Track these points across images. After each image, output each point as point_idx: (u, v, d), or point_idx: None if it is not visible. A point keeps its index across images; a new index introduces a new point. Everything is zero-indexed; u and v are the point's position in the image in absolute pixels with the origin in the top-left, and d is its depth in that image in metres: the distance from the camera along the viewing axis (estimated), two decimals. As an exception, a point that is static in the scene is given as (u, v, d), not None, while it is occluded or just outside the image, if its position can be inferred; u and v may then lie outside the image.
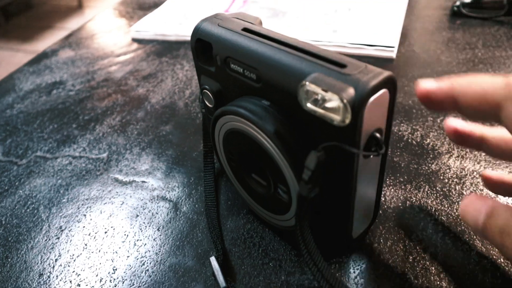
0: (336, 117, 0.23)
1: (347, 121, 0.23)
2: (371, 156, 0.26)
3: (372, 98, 0.23)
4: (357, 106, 0.22)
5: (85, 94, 0.55)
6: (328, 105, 0.23)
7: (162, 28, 0.68)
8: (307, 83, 0.23)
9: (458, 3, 0.65)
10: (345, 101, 0.22)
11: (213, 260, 0.29)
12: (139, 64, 0.61)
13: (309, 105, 0.24)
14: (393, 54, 0.54)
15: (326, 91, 0.23)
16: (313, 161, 0.23)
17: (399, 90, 0.48)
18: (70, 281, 0.32)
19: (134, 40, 0.69)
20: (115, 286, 0.31)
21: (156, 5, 0.80)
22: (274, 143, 0.26)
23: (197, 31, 0.32)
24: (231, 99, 0.30)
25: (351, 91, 0.22)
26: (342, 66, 0.24)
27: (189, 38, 0.65)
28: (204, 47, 0.32)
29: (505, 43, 0.55)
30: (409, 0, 0.71)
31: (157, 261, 0.32)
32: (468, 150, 0.39)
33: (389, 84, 0.23)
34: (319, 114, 0.24)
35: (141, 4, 0.83)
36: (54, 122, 0.50)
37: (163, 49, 0.64)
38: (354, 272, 0.30)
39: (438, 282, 0.28)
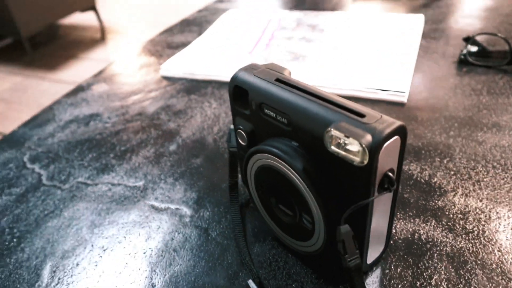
0: (356, 159, 0.28)
1: (365, 162, 0.27)
2: (385, 193, 0.30)
3: (386, 144, 0.27)
4: (373, 150, 0.27)
5: (121, 126, 0.61)
6: (349, 148, 0.28)
7: (191, 67, 0.74)
8: (332, 129, 0.28)
9: (465, 51, 0.70)
10: (364, 145, 0.27)
11: (251, 282, 0.34)
12: (169, 100, 0.67)
13: (333, 147, 0.29)
14: (404, 99, 0.59)
15: (348, 137, 0.27)
16: (340, 234, 0.29)
17: (410, 133, 0.52)
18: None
19: (164, 77, 0.75)
20: (155, 301, 0.35)
21: (183, 45, 0.87)
22: (302, 178, 0.31)
23: (235, 79, 0.37)
24: (262, 139, 0.35)
25: (369, 137, 0.27)
26: (362, 116, 0.29)
27: (216, 78, 0.71)
28: (241, 93, 0.37)
29: (508, 90, 0.60)
30: (420, 48, 0.76)
31: (191, 280, 0.36)
32: (471, 188, 0.43)
33: (401, 132, 0.28)
34: (341, 155, 0.29)
35: (169, 43, 0.90)
36: (93, 151, 0.56)
37: (191, 87, 0.70)
38: (368, 295, 0.33)
39: (443, 306, 0.32)
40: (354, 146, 0.28)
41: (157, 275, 0.37)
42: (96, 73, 0.80)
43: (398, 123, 0.28)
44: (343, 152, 0.28)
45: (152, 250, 0.40)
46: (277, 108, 0.33)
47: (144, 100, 0.68)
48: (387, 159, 0.28)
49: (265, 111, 0.34)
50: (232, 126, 0.42)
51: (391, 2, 1.04)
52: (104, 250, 0.40)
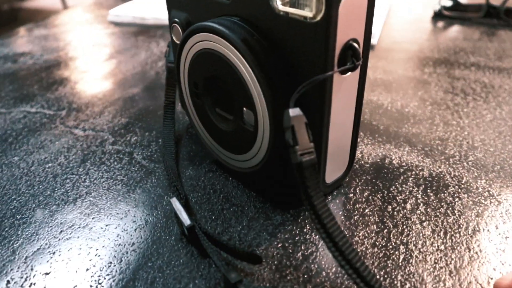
0: (309, 13, 0.21)
1: (320, 15, 0.20)
2: (348, 74, 0.23)
3: (348, -7, 0.20)
4: (332, -4, 0.20)
5: (53, 63, 0.52)
6: (301, 2, 0.21)
7: (141, 12, 0.66)
8: (279, -24, 0.21)
9: (440, 5, 0.65)
10: (319, -13, 0.20)
11: (174, 200, 0.26)
12: (114, 41, 0.58)
13: (281, 6, 0.22)
14: (373, 40, 0.53)
15: (299, -19, 0.20)
16: (289, 118, 0.20)
17: (380, 69, 0.46)
18: (1, 221, 0.27)
19: (112, 23, 0.66)
20: (51, 228, 0.27)
21: (138, -4, 0.78)
22: (241, 53, 0.23)
23: (167, -42, 0.29)
24: (199, 26, 0.28)
25: (326, -19, 0.20)
26: (318, -35, 0.22)
27: (167, 22, 0.63)
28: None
29: (485, 37, 0.55)
30: (392, 3, 0.71)
31: (103, 204, 0.28)
32: (450, 117, 0.37)
33: (369, -16, 0.21)
34: (292, 13, 0.21)
35: (124, -4, 0.82)
36: (15, 83, 0.47)
37: (140, 30, 0.62)
38: (325, 219, 0.26)
39: (421, 229, 0.25)
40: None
41: (62, 201, 0.29)
42: (39, 20, 0.71)
43: (365, -30, 0.21)
44: (293, 9, 0.21)
45: (56, 175, 0.31)
46: (215, -24, 0.26)
47: (86, 41, 0.59)
48: (350, 22, 0.21)
49: (201, -14, 0.27)
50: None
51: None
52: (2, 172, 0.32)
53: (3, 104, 0.43)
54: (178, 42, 0.31)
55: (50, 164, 0.33)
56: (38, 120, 0.39)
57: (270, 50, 0.23)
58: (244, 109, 0.26)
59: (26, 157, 0.34)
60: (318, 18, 0.20)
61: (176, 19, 0.30)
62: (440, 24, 0.62)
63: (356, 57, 0.22)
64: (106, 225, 0.27)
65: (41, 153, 0.34)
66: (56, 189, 0.30)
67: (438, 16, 0.65)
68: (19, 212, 0.28)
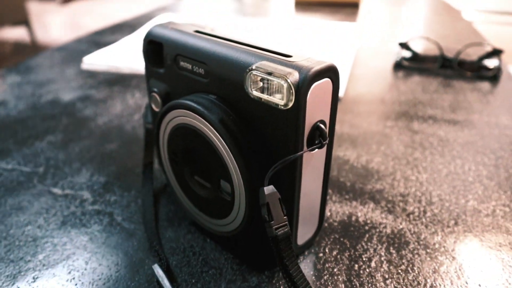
0: (280, 101, 0.23)
1: (291, 104, 0.23)
2: (316, 150, 0.26)
3: (315, 84, 0.23)
4: (300, 88, 0.22)
5: (28, 113, 0.53)
6: (273, 90, 0.23)
7: (116, 60, 0.67)
8: (253, 67, 0.24)
9: (400, 57, 0.70)
10: (289, 80, 0.22)
11: (156, 267, 0.27)
12: (88, 90, 0.60)
13: (254, 92, 0.24)
14: (340, 93, 0.57)
15: (270, 74, 0.23)
16: (264, 196, 0.23)
17: (346, 124, 0.49)
18: (-19, 291, 0.28)
19: (86, 71, 0.68)
20: (34, 296, 0.27)
21: (112, 43, 0.80)
22: (218, 132, 0.25)
23: (149, 34, 0.32)
24: (178, 98, 0.30)
25: (295, 74, 0.23)
26: (287, 56, 0.24)
27: (142, 71, 0.65)
28: (155, 49, 0.32)
29: (441, 89, 0.60)
30: (357, 53, 0.76)
31: (85, 269, 0.29)
32: (410, 173, 0.40)
33: (332, 74, 0.24)
34: (264, 100, 0.24)
35: (97, 42, 0.83)
36: (-12, 138, 0.47)
37: (115, 79, 0.64)
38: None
39: (384, 287, 0.27)
40: (279, 87, 0.23)
41: (43, 265, 0.30)
42: (10, 66, 0.71)
43: (328, 62, 0.24)
44: (266, 96, 0.24)
45: (36, 238, 0.32)
46: (193, 57, 0.28)
47: (59, 90, 0.60)
48: (317, 106, 0.24)
49: (180, 64, 0.29)
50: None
51: (332, 13, 1.04)
52: (-20, 242, 0.32)
53: (-21, 160, 0.43)
54: (156, 109, 0.33)
55: (29, 227, 0.34)
56: (15, 178, 0.40)
57: (245, 129, 0.26)
58: (221, 180, 0.28)
59: (4, 220, 0.34)
60: (289, 105, 0.23)
61: (155, 89, 0.32)
62: (401, 74, 0.66)
63: (323, 136, 0.25)
64: (88, 292, 0.28)
65: (20, 214, 0.35)
66: (36, 254, 0.31)
67: (398, 66, 0.70)
68: (-1, 280, 0.29)
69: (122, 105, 0.55)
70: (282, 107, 0.23)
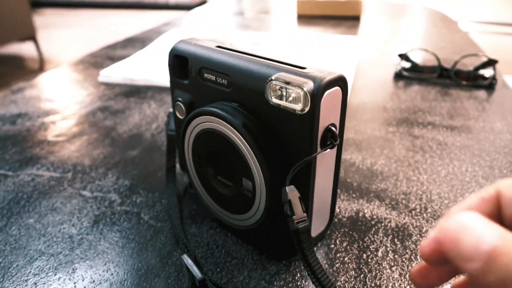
0: (297, 107, 0.27)
1: (307, 109, 0.26)
2: (328, 150, 0.29)
3: (327, 91, 0.27)
4: (315, 95, 0.26)
5: (51, 124, 0.56)
6: (290, 98, 0.27)
7: (131, 73, 0.71)
8: (273, 77, 0.27)
9: (399, 67, 0.74)
10: (305, 89, 0.26)
11: (185, 257, 0.30)
12: (107, 102, 0.63)
13: (274, 100, 0.28)
14: (344, 101, 0.60)
15: (288, 83, 0.26)
16: (285, 194, 0.27)
17: (351, 129, 0.53)
18: (26, 281, 0.31)
19: (103, 83, 0.71)
20: (74, 284, 0.31)
21: (125, 58, 0.84)
22: (242, 135, 0.29)
23: (174, 49, 0.35)
24: (201, 107, 0.33)
25: (310, 83, 0.26)
26: (302, 68, 0.28)
27: (156, 83, 0.69)
28: (180, 63, 0.35)
29: (439, 98, 0.63)
30: (358, 64, 0.79)
31: (119, 261, 0.32)
32: (411, 173, 0.43)
33: (341, 83, 0.28)
34: (283, 106, 0.27)
35: (111, 56, 0.87)
36: (17, 146, 0.51)
37: (131, 91, 0.67)
38: (312, 268, 0.31)
39: (391, 273, 0.31)
40: (295, 93, 0.27)
41: (81, 258, 0.33)
42: (30, 79, 0.75)
43: (338, 73, 0.27)
44: (284, 103, 0.27)
45: (72, 235, 0.35)
46: (217, 70, 0.32)
47: (79, 102, 0.64)
48: (329, 111, 0.28)
49: (204, 75, 0.33)
50: (171, 110, 0.40)
51: (334, 26, 1.09)
52: (16, 239, 0.35)
53: (10, 167, 0.46)
54: (181, 117, 0.37)
55: (64, 225, 0.37)
56: (46, 182, 0.43)
57: (265, 133, 0.29)
58: (243, 178, 0.31)
59: (40, 219, 0.38)
60: (306, 110, 0.26)
61: (180, 98, 0.36)
62: (401, 84, 0.70)
63: (334, 138, 0.28)
64: (124, 280, 0.31)
65: (54, 215, 0.38)
66: (74, 248, 0.34)
67: (398, 76, 0.73)
68: (42, 271, 0.32)
69: (140, 115, 0.58)
70: (299, 112, 0.27)
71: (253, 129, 0.29)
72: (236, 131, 0.29)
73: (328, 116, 0.28)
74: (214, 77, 0.32)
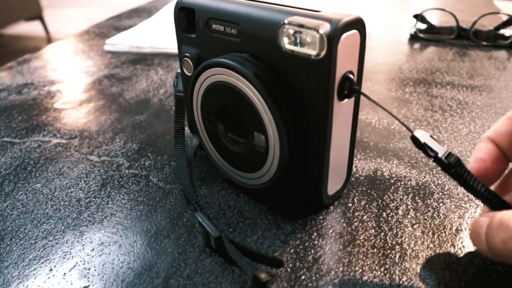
0: (313, 52, 0.25)
1: (323, 53, 0.24)
2: (346, 100, 0.27)
3: (345, 35, 0.24)
4: (332, 38, 0.24)
5: (57, 93, 0.55)
6: (305, 42, 0.25)
7: (137, 41, 0.69)
8: (286, 21, 0.25)
9: (415, 28, 0.71)
10: (321, 32, 0.24)
11: (199, 214, 0.29)
12: (113, 70, 0.62)
13: (287, 46, 0.26)
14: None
15: (303, 26, 0.24)
16: (417, 140, 0.24)
17: (367, 89, 0.51)
18: (34, 243, 0.30)
19: (109, 52, 0.70)
20: (83, 246, 0.30)
21: (130, 27, 0.82)
22: (254, 85, 0.27)
23: (180, 1, 0.33)
24: (210, 61, 0.31)
25: (326, 25, 0.24)
26: (317, 11, 0.26)
27: (163, 50, 0.67)
28: (187, 16, 0.33)
29: (458, 58, 0.60)
30: (372, 26, 0.76)
31: (128, 224, 0.31)
32: (431, 133, 0.41)
33: (360, 26, 0.25)
34: (297, 52, 0.25)
35: (116, 26, 0.85)
36: (23, 114, 0.50)
37: (137, 59, 0.66)
38: (330, 227, 0.30)
39: (413, 231, 0.29)
40: (310, 38, 0.25)
41: (89, 221, 0.32)
42: (35, 51, 0.74)
43: (355, 15, 0.25)
44: (298, 48, 0.25)
45: (80, 199, 0.34)
46: (226, 19, 0.30)
47: (85, 71, 0.62)
48: (347, 56, 0.25)
49: (212, 26, 0.31)
50: (179, 70, 0.38)
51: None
52: (24, 204, 0.35)
53: (16, 135, 0.45)
54: (188, 74, 0.35)
55: (72, 189, 0.36)
56: (53, 148, 0.42)
57: (278, 82, 0.27)
58: (255, 133, 0.29)
59: (48, 184, 0.37)
60: (321, 55, 0.24)
61: (187, 54, 0.34)
62: (416, 45, 0.67)
63: (352, 86, 0.26)
64: (134, 241, 0.30)
65: (62, 179, 0.37)
66: (82, 212, 0.33)
67: (414, 38, 0.70)
68: (50, 234, 0.31)
69: (147, 82, 0.56)
70: (315, 57, 0.25)
71: (265, 79, 0.27)
72: (247, 82, 0.27)
73: (345, 62, 0.26)
74: (223, 28, 0.30)
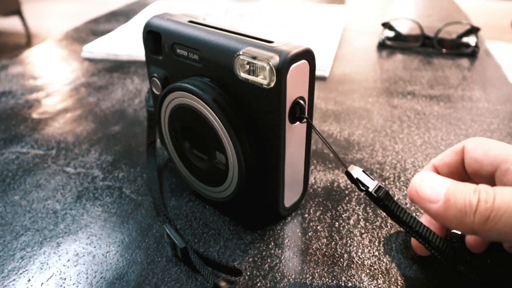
0: (264, 81, 0.27)
1: (273, 83, 0.27)
2: (297, 123, 0.30)
3: (293, 65, 0.27)
4: (280, 69, 0.26)
5: (35, 102, 0.57)
6: (258, 72, 0.27)
7: (114, 48, 0.71)
8: (240, 52, 0.28)
9: (383, 36, 0.74)
10: (271, 64, 0.26)
11: (167, 226, 0.31)
12: (90, 78, 0.63)
13: (242, 74, 0.28)
14: (325, 73, 0.61)
15: (255, 58, 0.27)
16: (351, 175, 0.28)
17: (331, 100, 0.53)
18: (13, 255, 0.32)
19: (86, 59, 0.71)
20: (59, 257, 0.32)
21: (108, 32, 0.83)
22: (212, 110, 0.29)
23: (148, 25, 0.35)
24: (176, 82, 0.34)
25: (276, 58, 0.27)
26: (270, 42, 0.28)
27: (139, 58, 0.69)
28: (154, 38, 0.36)
29: (421, 67, 0.64)
30: (343, 34, 0.79)
31: (101, 235, 0.34)
32: (388, 143, 0.44)
33: (308, 56, 0.28)
34: (251, 80, 0.28)
35: (94, 30, 0.86)
36: (1, 124, 0.51)
37: (114, 66, 0.67)
38: (286, 237, 0.33)
39: (361, 240, 0.32)
40: (262, 69, 0.27)
41: (65, 232, 0.34)
42: (12, 56, 0.75)
43: (305, 46, 0.28)
44: (252, 77, 0.28)
45: (56, 211, 0.37)
46: (189, 45, 0.32)
47: (63, 79, 0.64)
48: (296, 84, 0.28)
49: (177, 51, 0.33)
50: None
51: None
52: (2, 216, 0.37)
53: (-5, 146, 0.47)
54: (157, 92, 0.37)
55: (49, 201, 0.38)
56: (30, 160, 0.44)
57: (235, 107, 0.30)
58: (216, 151, 0.32)
59: (25, 196, 0.39)
60: (271, 85, 0.27)
61: (155, 74, 0.36)
62: (384, 53, 0.70)
63: (302, 111, 0.29)
64: (107, 252, 0.32)
65: (39, 191, 0.39)
66: (58, 223, 0.35)
67: (382, 46, 0.73)
68: (28, 245, 0.33)
69: (123, 91, 0.58)
70: (266, 86, 0.27)
71: (223, 103, 0.30)
72: (207, 106, 0.30)
73: (295, 89, 0.28)
74: (186, 53, 0.33)
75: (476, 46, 0.68)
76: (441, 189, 0.24)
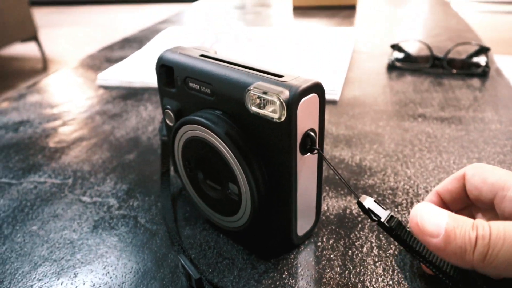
0: (275, 115, 0.28)
1: (283, 117, 0.28)
2: (308, 154, 0.30)
3: (303, 99, 0.28)
4: (291, 104, 0.27)
5: (52, 131, 0.58)
6: (268, 106, 0.28)
7: (128, 76, 0.73)
8: (251, 88, 0.28)
9: (392, 57, 0.74)
10: (281, 99, 0.27)
11: (182, 256, 0.32)
12: (105, 105, 0.65)
13: (253, 108, 0.29)
14: (336, 97, 0.61)
15: (266, 93, 0.28)
16: (363, 206, 0.28)
17: (342, 125, 0.54)
18: (31, 286, 0.33)
19: (101, 87, 0.73)
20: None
21: (122, 59, 0.86)
22: (225, 143, 0.30)
23: (161, 59, 0.37)
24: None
25: (286, 92, 0.27)
26: (280, 76, 0.29)
27: (152, 85, 0.70)
28: (167, 72, 0.37)
29: (431, 88, 0.64)
30: (352, 56, 0.80)
31: (117, 265, 0.34)
32: (399, 168, 0.44)
33: (318, 89, 0.29)
34: (262, 114, 0.29)
35: (108, 57, 0.89)
36: (20, 154, 0.53)
37: (128, 94, 0.69)
38: (299, 266, 0.33)
39: (375, 269, 0.32)
40: (273, 103, 0.28)
41: (81, 263, 0.35)
42: (30, 84, 0.77)
43: (314, 80, 0.29)
44: (263, 111, 0.29)
45: (73, 240, 0.37)
46: (201, 79, 0.33)
47: (78, 107, 0.65)
48: (307, 117, 0.29)
49: (189, 85, 0.34)
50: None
51: (329, 16, 1.09)
52: (21, 246, 0.37)
53: (13, 175, 0.48)
54: (170, 124, 0.38)
55: (66, 231, 0.39)
56: (48, 189, 0.45)
57: (247, 140, 0.30)
58: (229, 182, 0.32)
59: (43, 226, 0.40)
60: (282, 119, 0.28)
61: (168, 106, 0.37)
62: (394, 75, 0.71)
63: (312, 142, 0.29)
64: (122, 283, 0.33)
65: (56, 221, 0.40)
66: (75, 253, 0.36)
67: (391, 67, 0.74)
68: (46, 276, 0.34)
69: (137, 118, 0.60)
70: (277, 120, 0.28)
71: (235, 136, 0.30)
72: (219, 139, 0.31)
73: (305, 122, 0.29)
74: (198, 86, 0.33)
75: (487, 65, 0.68)
76: (441, 223, 0.24)
